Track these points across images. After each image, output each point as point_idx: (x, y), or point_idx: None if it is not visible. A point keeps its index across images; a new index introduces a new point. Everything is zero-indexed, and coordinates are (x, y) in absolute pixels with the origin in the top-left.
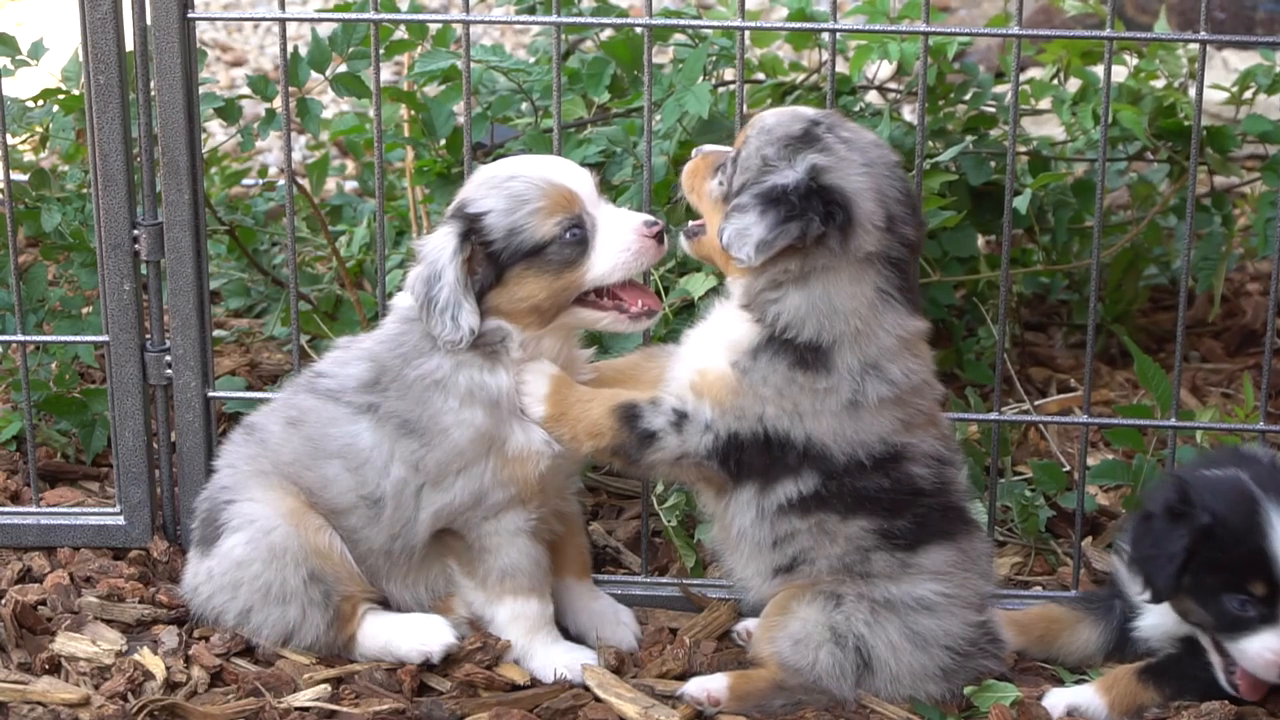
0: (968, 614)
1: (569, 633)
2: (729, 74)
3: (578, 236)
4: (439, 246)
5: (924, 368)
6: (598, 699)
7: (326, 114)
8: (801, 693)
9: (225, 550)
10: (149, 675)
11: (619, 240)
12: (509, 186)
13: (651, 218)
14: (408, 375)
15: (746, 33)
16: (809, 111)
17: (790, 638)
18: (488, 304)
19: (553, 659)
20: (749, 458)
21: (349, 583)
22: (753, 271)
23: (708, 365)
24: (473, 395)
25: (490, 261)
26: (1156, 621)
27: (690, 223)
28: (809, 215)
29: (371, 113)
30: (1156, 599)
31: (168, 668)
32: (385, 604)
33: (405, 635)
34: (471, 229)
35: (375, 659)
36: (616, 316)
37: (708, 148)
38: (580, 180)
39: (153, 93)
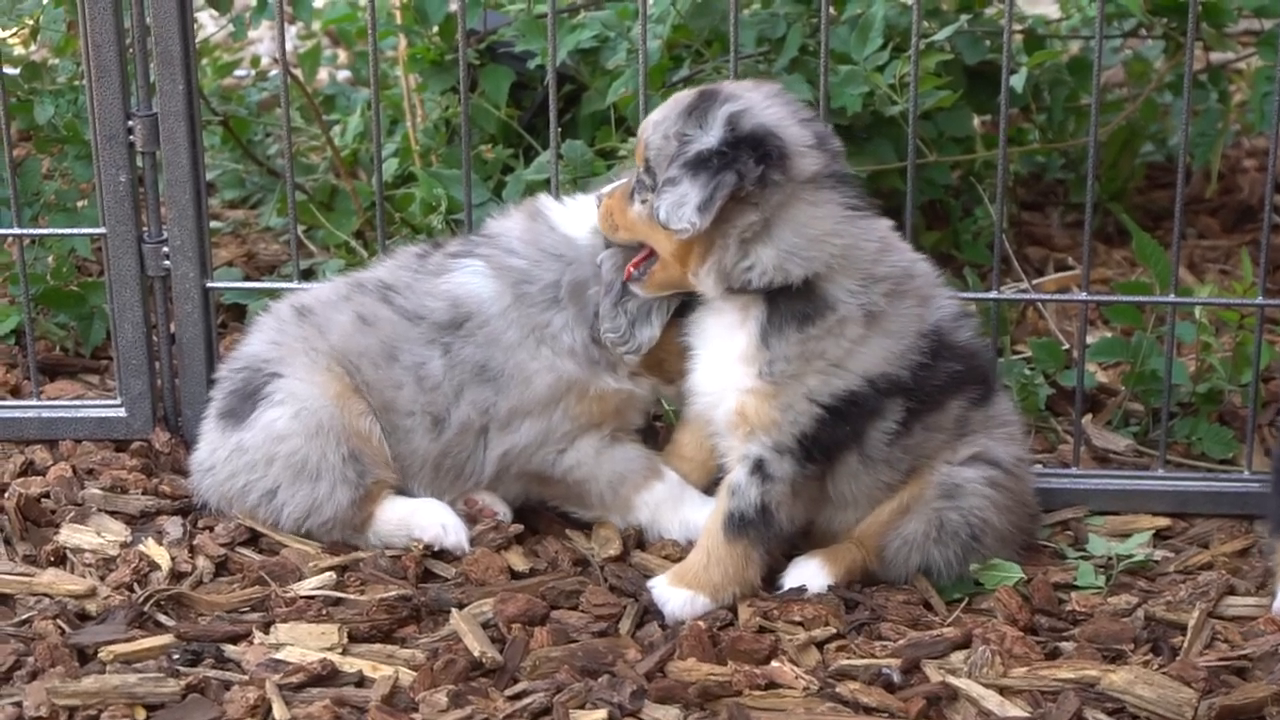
0: (1031, 476)
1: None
2: None
3: None
4: None
5: (905, 253)
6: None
7: (318, 3)
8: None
9: (265, 423)
10: (154, 565)
11: None
12: None
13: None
14: (501, 326)
15: None
16: (688, 92)
17: (901, 538)
18: None
19: (701, 516)
20: (829, 436)
21: (383, 469)
22: (717, 251)
23: (738, 399)
24: (574, 353)
25: None
26: None
27: (630, 264)
28: (741, 159)
29: (364, 1)
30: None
31: (173, 558)
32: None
33: (425, 515)
34: None
35: (387, 537)
36: None
37: (604, 189)
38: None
39: None
